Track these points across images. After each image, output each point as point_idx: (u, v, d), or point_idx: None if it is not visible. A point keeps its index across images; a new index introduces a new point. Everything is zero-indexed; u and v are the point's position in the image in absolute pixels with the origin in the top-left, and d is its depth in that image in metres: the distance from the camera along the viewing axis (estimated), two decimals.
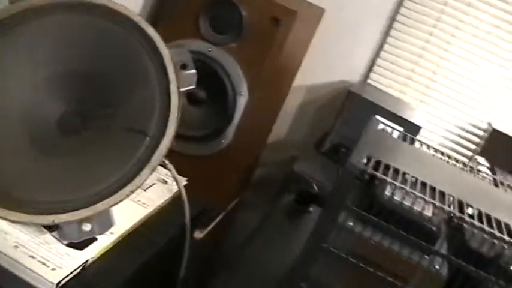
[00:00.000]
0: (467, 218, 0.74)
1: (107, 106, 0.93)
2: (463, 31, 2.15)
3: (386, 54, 2.25)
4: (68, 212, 0.81)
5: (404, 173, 0.77)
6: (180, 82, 0.91)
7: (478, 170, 1.31)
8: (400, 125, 2.00)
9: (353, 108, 1.99)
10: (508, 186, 1.23)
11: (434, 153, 1.20)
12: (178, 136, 1.77)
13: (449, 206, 0.76)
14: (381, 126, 1.95)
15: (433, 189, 0.78)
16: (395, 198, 0.71)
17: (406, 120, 1.99)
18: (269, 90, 1.88)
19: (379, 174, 0.70)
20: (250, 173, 2.19)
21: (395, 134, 1.51)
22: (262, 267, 1.06)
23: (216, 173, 1.79)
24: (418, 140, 1.25)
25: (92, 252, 0.85)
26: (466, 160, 2.14)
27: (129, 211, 0.98)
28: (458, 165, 1.18)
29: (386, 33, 2.23)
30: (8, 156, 0.85)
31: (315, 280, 0.73)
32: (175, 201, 1.08)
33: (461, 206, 0.76)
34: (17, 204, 0.81)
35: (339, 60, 2.27)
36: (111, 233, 0.89)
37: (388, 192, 0.72)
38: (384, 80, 2.28)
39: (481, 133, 2.18)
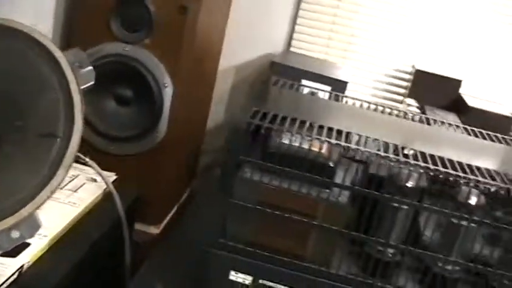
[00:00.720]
0: (362, 148, 0.79)
1: (16, 119, 0.96)
2: None
3: (303, 20, 2.30)
4: None
5: (302, 122, 0.82)
6: (79, 80, 0.94)
7: (405, 113, 1.37)
8: (327, 84, 2.06)
9: (279, 77, 2.03)
10: (427, 119, 1.28)
11: (362, 104, 1.25)
12: (113, 138, 1.82)
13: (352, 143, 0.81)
14: (306, 89, 2.01)
15: (330, 129, 0.83)
16: (285, 142, 0.76)
17: (332, 78, 2.05)
18: (193, 77, 1.91)
19: (265, 124, 0.75)
20: (193, 163, 2.23)
21: (323, 94, 1.55)
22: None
23: (156, 168, 1.82)
24: (344, 96, 1.29)
25: (26, 257, 0.88)
26: (397, 105, 2.21)
27: (61, 213, 1.01)
28: (384, 111, 1.23)
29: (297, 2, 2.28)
30: None
31: (232, 234, 0.78)
32: (107, 197, 1.12)
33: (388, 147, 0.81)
34: None
35: (259, 35, 2.31)
36: (44, 236, 0.92)
37: (285, 140, 0.77)
38: (306, 45, 2.33)
39: (407, 76, 2.24)
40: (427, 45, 2.23)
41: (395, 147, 0.81)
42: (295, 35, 2.33)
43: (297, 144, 0.75)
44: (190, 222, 1.12)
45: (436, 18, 2.21)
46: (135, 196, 1.17)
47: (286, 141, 0.75)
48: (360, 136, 0.82)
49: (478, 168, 0.80)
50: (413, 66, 2.17)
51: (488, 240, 0.87)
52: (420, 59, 2.23)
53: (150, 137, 1.82)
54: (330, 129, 0.80)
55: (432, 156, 0.79)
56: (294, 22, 2.31)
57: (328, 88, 2.05)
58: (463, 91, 2.13)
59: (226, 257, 0.77)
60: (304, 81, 2.03)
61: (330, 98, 1.29)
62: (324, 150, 0.77)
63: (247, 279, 0.78)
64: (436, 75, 2.13)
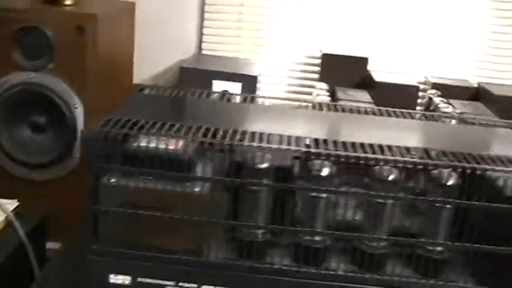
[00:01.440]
0: (225, 141, 0.83)
1: None
2: None
3: (210, 22, 2.35)
4: None
5: (163, 124, 0.86)
6: None
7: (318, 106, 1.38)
8: (238, 81, 2.11)
9: (190, 82, 2.07)
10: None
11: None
12: (33, 166, 1.84)
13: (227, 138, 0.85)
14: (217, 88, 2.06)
15: (199, 128, 0.87)
16: (142, 145, 0.80)
17: (242, 74, 2.09)
18: (104, 94, 1.94)
19: (120, 130, 0.79)
20: None
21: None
22: None
23: (78, 189, 1.85)
24: (255, 96, 1.27)
25: None
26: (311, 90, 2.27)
27: None
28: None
29: (202, 1, 2.32)
30: None
31: (104, 239, 0.82)
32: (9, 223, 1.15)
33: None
34: None
35: (170, 43, 2.35)
36: None
37: (142, 144, 0.81)
38: (217, 46, 2.37)
39: (317, 61, 2.30)
40: (332, 29, 2.30)
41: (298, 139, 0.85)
42: (204, 37, 2.37)
43: (153, 145, 0.79)
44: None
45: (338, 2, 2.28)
46: (42, 217, 1.20)
47: (144, 144, 0.79)
48: (239, 131, 0.85)
49: (390, 147, 0.84)
50: (320, 51, 2.23)
51: (409, 213, 0.92)
52: (327, 43, 2.29)
53: (70, 158, 1.84)
54: (199, 128, 0.84)
55: (343, 143, 0.84)
56: (201, 23, 2.35)
57: (239, 85, 2.10)
58: (370, 68, 2.19)
59: (102, 262, 0.81)
60: (214, 82, 2.07)
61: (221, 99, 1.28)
62: (179, 147, 0.81)
63: (127, 279, 0.82)
64: (342, 55, 2.19)
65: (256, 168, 0.81)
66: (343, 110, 1.14)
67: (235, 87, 2.07)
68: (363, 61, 2.19)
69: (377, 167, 0.83)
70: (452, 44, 2.27)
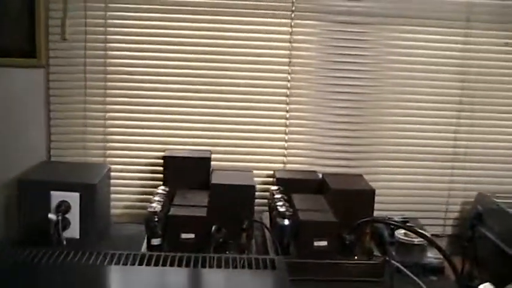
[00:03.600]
0: None
1: None
2: None
3: (56, 128, 2.31)
4: None
5: None
6: None
7: None
8: (76, 190, 2.04)
9: (33, 196, 2.00)
10: None
11: None
12: None
13: None
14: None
15: None
16: None
17: (80, 183, 2.04)
18: None
19: None
20: None
21: None
22: None
23: None
24: None
25: None
26: None
27: None
28: None
29: (47, 109, 2.29)
30: None
31: None
32: None
33: None
34: None
35: (17, 159, 2.28)
36: None
37: None
38: (66, 152, 2.33)
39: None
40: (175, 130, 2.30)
41: None
42: (52, 144, 2.33)
43: None
44: None
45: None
46: None
47: None
48: None
49: None
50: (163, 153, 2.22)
51: None
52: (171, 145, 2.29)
53: None
54: None
55: None
56: (48, 131, 2.31)
57: (77, 194, 2.04)
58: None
59: None
60: (52, 193, 2.01)
61: None
62: None
63: None
64: (185, 157, 2.18)
65: None
66: None
67: (73, 197, 2.02)
68: (205, 161, 2.18)
69: None
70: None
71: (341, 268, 1.89)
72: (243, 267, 1.04)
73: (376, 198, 2.24)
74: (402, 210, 2.34)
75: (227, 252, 1.89)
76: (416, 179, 2.39)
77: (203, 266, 1.25)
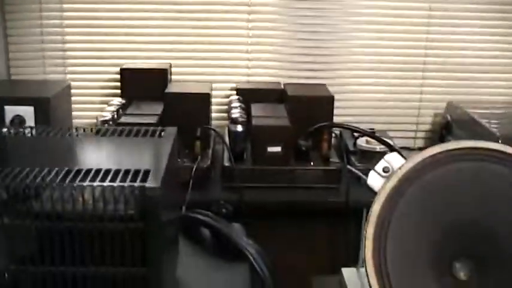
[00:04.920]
0: None
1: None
2: None
3: (15, 46, 2.26)
4: None
5: None
6: None
7: None
8: (31, 104, 2.00)
9: None
10: None
11: None
12: None
13: None
14: None
15: None
16: None
17: (33, 98, 1.99)
18: None
19: None
20: None
21: None
22: None
23: None
24: None
25: None
26: None
27: None
28: None
29: (4, 27, 2.24)
30: None
31: None
32: None
33: None
34: None
35: None
36: None
37: None
38: (26, 70, 2.28)
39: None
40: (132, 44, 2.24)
41: None
42: (11, 63, 2.28)
43: None
44: None
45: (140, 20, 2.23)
46: None
47: None
48: None
49: None
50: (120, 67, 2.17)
51: None
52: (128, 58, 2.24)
53: None
54: None
55: None
56: (6, 49, 2.26)
57: (31, 108, 2.00)
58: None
59: None
60: (6, 108, 1.98)
61: None
62: None
63: None
64: (142, 69, 2.13)
65: None
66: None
67: (27, 112, 1.98)
68: (162, 72, 2.12)
69: None
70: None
71: (296, 174, 1.85)
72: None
73: (345, 111, 2.20)
74: (372, 122, 2.27)
75: (178, 161, 1.85)
76: (386, 90, 2.32)
77: None
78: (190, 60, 2.28)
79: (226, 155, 1.89)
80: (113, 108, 1.97)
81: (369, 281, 0.88)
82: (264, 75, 2.29)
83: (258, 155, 1.85)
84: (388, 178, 0.93)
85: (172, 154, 0.91)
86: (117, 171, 0.77)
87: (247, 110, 1.99)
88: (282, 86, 2.17)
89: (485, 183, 0.94)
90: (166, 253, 0.79)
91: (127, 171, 0.77)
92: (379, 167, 0.95)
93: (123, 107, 2.01)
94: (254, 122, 1.87)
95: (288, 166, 1.85)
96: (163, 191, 0.76)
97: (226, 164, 1.85)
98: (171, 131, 0.98)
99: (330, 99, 1.98)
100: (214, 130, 1.92)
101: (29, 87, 2.15)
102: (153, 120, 1.87)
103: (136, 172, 0.77)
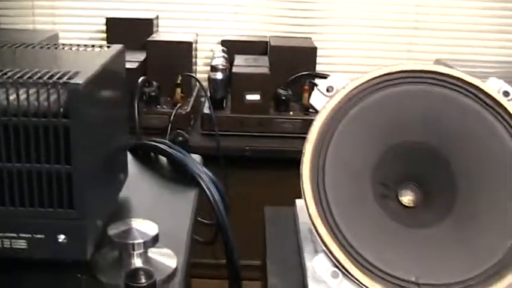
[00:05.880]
0: None
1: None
2: None
3: None
4: None
5: None
6: None
7: None
8: None
9: None
10: None
11: None
12: None
13: None
14: None
15: None
16: None
17: None
18: None
19: None
20: None
21: None
22: None
23: None
24: None
25: None
26: None
27: None
28: None
29: None
30: None
31: None
32: None
33: None
34: None
35: None
36: None
37: None
38: (15, 19, 2.29)
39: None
40: None
41: None
42: (0, 12, 2.29)
43: None
44: None
45: None
46: None
47: None
48: None
49: None
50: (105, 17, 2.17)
51: None
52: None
53: None
54: None
55: None
56: None
57: None
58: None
59: None
60: None
61: None
62: None
63: None
64: (127, 19, 2.13)
65: None
66: None
67: None
68: (148, 22, 2.12)
69: None
70: None
71: (275, 123, 1.85)
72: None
73: (333, 67, 2.18)
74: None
75: (157, 107, 1.86)
76: (375, 47, 2.30)
77: None
78: (178, 12, 2.27)
79: (207, 103, 1.89)
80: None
81: (304, 197, 0.88)
82: (251, 29, 2.27)
83: (237, 103, 1.85)
84: (330, 97, 0.93)
85: (114, 63, 0.92)
86: (47, 72, 0.77)
87: (231, 61, 1.99)
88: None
89: (434, 107, 0.93)
90: (94, 154, 0.79)
91: (58, 72, 0.77)
92: (322, 86, 0.95)
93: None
94: (233, 69, 1.87)
95: (267, 115, 1.85)
96: (90, 89, 0.76)
97: (206, 111, 1.85)
98: (117, 46, 0.98)
99: (313, 51, 1.98)
100: (194, 77, 1.92)
101: (17, 35, 2.15)
102: (132, 66, 1.87)
103: (67, 73, 0.77)
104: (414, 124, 0.94)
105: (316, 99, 0.94)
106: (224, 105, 1.89)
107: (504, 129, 0.93)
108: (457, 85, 0.95)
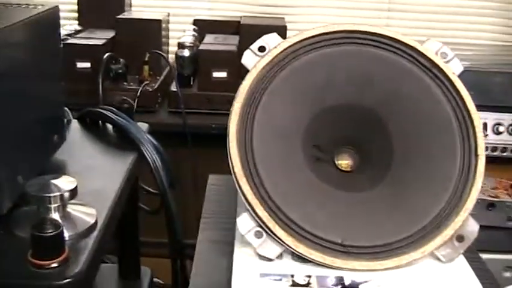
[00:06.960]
0: None
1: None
2: None
3: None
4: None
5: None
6: None
7: None
8: None
9: None
10: None
11: None
12: None
13: None
14: None
15: None
16: None
17: None
18: None
19: None
20: None
21: None
22: None
23: None
24: None
25: None
26: None
27: None
28: None
29: None
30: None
31: None
32: None
33: None
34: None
35: None
36: None
37: None
38: None
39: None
40: None
41: None
42: None
43: None
44: None
45: None
46: None
47: None
48: None
49: None
50: None
51: None
52: None
53: None
54: None
55: None
56: None
57: None
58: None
59: None
60: None
61: None
62: None
63: None
64: None
65: None
66: None
67: None
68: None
69: None
70: None
71: None
72: None
73: None
74: None
75: (124, 84, 1.85)
76: None
77: None
78: None
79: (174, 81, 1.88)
80: (64, 32, 1.96)
81: (230, 157, 0.86)
82: (226, 10, 2.26)
83: (204, 81, 1.84)
84: (262, 57, 0.91)
85: (40, 20, 0.90)
86: None
87: (202, 40, 1.97)
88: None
89: (369, 68, 0.91)
90: (8, 110, 0.78)
91: None
92: (255, 45, 0.93)
93: (76, 32, 2.00)
94: (201, 46, 1.85)
95: (234, 92, 1.83)
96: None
97: (173, 89, 1.84)
98: (49, 7, 0.97)
99: (283, 29, 1.95)
100: (160, 54, 1.90)
101: None
102: (99, 42, 1.86)
103: None
104: (348, 85, 0.92)
105: (248, 58, 0.92)
106: (191, 83, 1.88)
107: (440, 91, 0.91)
108: (393, 46, 0.93)
